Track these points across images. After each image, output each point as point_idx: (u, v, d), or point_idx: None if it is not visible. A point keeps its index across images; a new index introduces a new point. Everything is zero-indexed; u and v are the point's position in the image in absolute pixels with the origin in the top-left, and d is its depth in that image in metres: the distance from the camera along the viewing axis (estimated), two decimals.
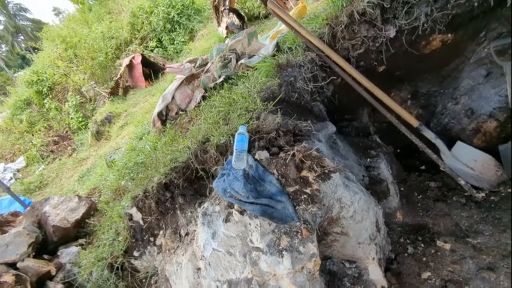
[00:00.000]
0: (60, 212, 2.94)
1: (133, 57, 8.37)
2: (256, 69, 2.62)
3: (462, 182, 2.18)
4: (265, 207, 1.60)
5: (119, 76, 8.55)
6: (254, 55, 2.88)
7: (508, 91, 2.11)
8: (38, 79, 10.30)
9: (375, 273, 1.82)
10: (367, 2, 2.12)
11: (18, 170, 8.50)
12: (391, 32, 2.24)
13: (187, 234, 2.04)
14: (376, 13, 2.18)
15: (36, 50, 14.57)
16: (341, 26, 2.29)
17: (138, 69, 8.31)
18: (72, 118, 9.32)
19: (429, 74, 2.57)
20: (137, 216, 2.28)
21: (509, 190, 2.17)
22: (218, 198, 1.79)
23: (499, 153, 2.25)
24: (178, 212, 2.13)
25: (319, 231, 1.66)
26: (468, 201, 2.25)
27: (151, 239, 2.27)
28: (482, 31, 2.21)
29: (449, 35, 2.23)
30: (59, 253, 2.75)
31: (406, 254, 2.03)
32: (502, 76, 2.16)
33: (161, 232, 2.23)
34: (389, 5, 2.14)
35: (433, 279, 1.83)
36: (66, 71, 10.16)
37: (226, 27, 5.49)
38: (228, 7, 5.36)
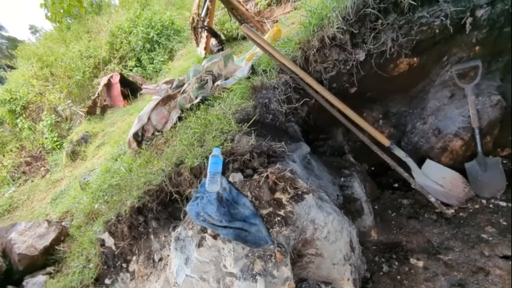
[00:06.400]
0: (27, 238, 2.79)
1: (111, 76, 8.29)
2: (232, 90, 2.64)
3: (432, 199, 2.24)
4: (239, 231, 1.59)
5: (96, 95, 8.41)
6: (230, 77, 2.92)
7: (471, 112, 2.23)
8: (11, 98, 9.98)
9: None
10: (337, 28, 2.21)
11: None
12: (361, 56, 2.34)
13: (160, 259, 1.99)
14: (345, 38, 2.28)
15: (10, 68, 14.16)
16: (313, 50, 2.37)
17: (116, 88, 8.22)
18: (46, 138, 9.01)
19: (399, 95, 2.68)
20: (109, 241, 2.20)
21: (476, 206, 2.25)
22: (191, 223, 1.76)
23: (465, 170, 2.35)
24: (152, 236, 2.07)
25: (293, 254, 1.65)
26: (439, 218, 2.31)
27: (124, 265, 2.19)
28: (444, 55, 2.34)
29: (415, 59, 2.35)
30: (24, 283, 2.60)
31: (381, 273, 2.04)
32: (464, 97, 2.28)
33: (134, 258, 2.15)
34: (357, 31, 2.25)
35: None
36: (41, 90, 9.89)
37: (205, 48, 5.56)
38: (206, 25, 5.43)
